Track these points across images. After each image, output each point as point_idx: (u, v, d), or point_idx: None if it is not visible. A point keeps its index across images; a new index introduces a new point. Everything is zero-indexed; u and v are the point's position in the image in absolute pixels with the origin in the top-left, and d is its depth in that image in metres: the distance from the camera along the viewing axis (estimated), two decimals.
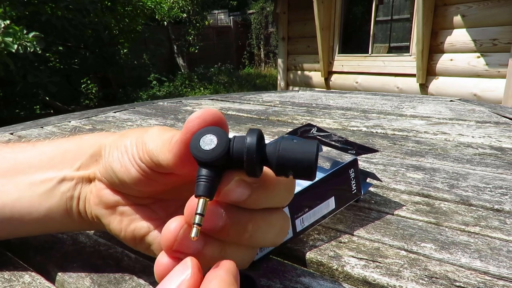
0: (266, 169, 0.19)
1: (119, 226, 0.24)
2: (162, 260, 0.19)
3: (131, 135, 0.24)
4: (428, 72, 3.16)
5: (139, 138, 0.22)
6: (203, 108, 0.21)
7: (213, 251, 0.20)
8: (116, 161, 0.23)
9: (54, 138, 0.28)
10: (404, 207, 0.39)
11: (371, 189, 0.43)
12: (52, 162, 0.26)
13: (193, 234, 0.17)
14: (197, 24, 7.20)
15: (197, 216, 0.17)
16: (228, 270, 0.16)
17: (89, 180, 0.25)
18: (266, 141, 0.19)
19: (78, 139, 0.27)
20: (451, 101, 1.03)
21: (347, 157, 0.35)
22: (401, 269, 0.29)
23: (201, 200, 0.17)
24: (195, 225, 0.17)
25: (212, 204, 0.19)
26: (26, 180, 0.25)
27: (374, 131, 0.73)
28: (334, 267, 0.29)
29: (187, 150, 0.18)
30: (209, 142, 0.17)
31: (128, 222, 0.24)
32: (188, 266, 0.16)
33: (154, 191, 0.24)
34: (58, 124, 0.88)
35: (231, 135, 0.19)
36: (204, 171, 0.17)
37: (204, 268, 0.18)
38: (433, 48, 3.08)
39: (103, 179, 0.24)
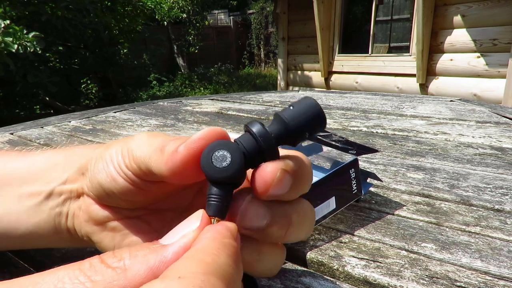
0: (292, 152, 0.18)
1: (111, 243, 0.23)
2: None
3: (116, 143, 0.22)
4: (428, 72, 3.16)
5: (124, 146, 0.21)
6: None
7: (251, 255, 0.19)
8: (102, 172, 0.21)
9: (46, 149, 0.27)
10: (404, 207, 0.39)
11: (372, 189, 0.43)
12: (41, 174, 0.24)
13: None
14: (197, 24, 7.20)
15: None
16: (227, 226, 0.16)
17: (78, 195, 0.24)
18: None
19: (68, 151, 0.25)
20: (451, 101, 1.02)
21: (348, 157, 0.35)
22: (401, 269, 0.29)
23: (212, 221, 0.16)
24: None
25: (253, 203, 0.18)
26: (14, 193, 0.24)
27: (374, 131, 0.73)
28: (335, 267, 0.29)
29: (186, 165, 0.17)
30: (221, 158, 0.16)
31: (121, 238, 0.23)
32: (198, 218, 0.16)
33: (145, 201, 0.22)
34: (58, 124, 0.87)
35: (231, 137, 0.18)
36: (215, 190, 0.16)
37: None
38: (433, 48, 3.08)
39: (90, 193, 0.23)
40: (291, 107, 0.17)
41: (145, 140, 0.20)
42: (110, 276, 0.13)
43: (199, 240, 0.14)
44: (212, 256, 0.13)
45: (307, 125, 0.17)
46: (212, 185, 0.16)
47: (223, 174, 0.16)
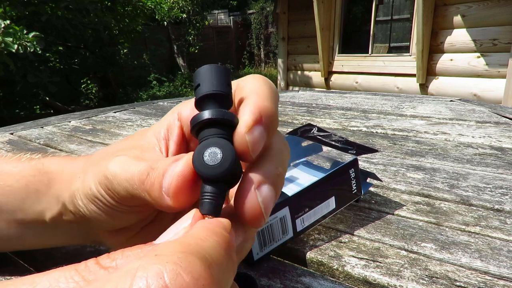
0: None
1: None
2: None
3: (92, 173, 0.21)
4: (428, 72, 3.16)
5: (101, 176, 0.20)
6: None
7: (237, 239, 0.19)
8: (87, 210, 0.21)
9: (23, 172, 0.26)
10: (404, 207, 0.39)
11: (372, 189, 0.43)
12: (23, 205, 0.25)
13: None
14: (197, 24, 7.20)
15: None
16: (220, 220, 0.15)
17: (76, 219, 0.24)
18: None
19: (46, 181, 0.25)
20: (451, 101, 1.02)
21: (347, 157, 0.35)
22: (401, 269, 0.29)
23: (206, 219, 0.16)
24: None
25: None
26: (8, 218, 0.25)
27: (374, 131, 0.73)
28: (335, 267, 0.29)
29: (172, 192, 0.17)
30: (213, 156, 0.16)
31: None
32: (190, 217, 0.16)
33: (143, 217, 0.22)
34: (58, 124, 0.88)
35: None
36: (209, 188, 0.16)
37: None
38: (433, 48, 3.08)
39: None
40: (199, 85, 0.17)
41: (123, 168, 0.19)
42: (102, 276, 0.13)
43: (189, 230, 0.14)
44: (196, 240, 0.13)
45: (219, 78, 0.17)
46: (205, 183, 0.16)
47: (215, 171, 0.16)
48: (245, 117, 0.17)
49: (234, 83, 0.20)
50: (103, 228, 0.23)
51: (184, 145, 0.21)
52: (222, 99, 0.17)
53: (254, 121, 0.17)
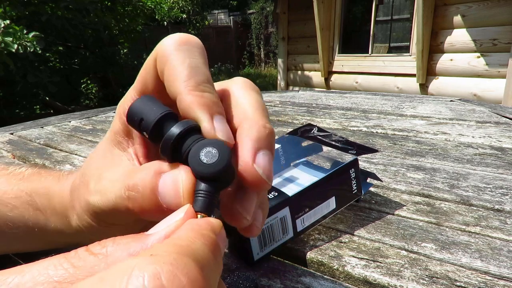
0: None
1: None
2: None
3: (79, 209, 0.22)
4: (428, 72, 3.16)
5: (90, 212, 0.21)
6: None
7: None
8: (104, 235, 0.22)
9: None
10: (404, 207, 0.39)
11: (372, 189, 0.43)
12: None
13: None
14: (197, 24, 7.20)
15: None
16: (209, 221, 0.15)
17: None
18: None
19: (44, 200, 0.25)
20: (451, 101, 1.02)
21: (348, 157, 0.35)
22: (401, 269, 0.29)
23: (198, 216, 0.16)
24: None
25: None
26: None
27: (374, 131, 0.73)
28: (335, 267, 0.29)
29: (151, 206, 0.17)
30: (209, 155, 0.16)
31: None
32: (183, 211, 0.16)
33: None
34: (58, 124, 0.88)
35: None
36: (203, 186, 0.16)
37: None
38: (433, 48, 3.08)
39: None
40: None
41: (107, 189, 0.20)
42: (91, 261, 0.13)
43: (178, 231, 0.14)
44: (187, 242, 0.13)
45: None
46: (200, 181, 0.17)
47: (211, 170, 0.16)
48: (245, 154, 0.17)
49: (220, 87, 0.19)
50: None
51: (148, 144, 0.21)
52: (173, 117, 0.18)
53: (257, 151, 0.17)
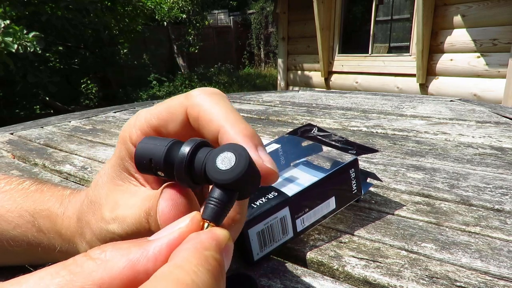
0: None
1: None
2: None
3: (91, 236, 0.22)
4: (428, 72, 3.16)
5: (97, 230, 0.21)
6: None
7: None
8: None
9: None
10: (404, 207, 0.39)
11: (372, 189, 0.43)
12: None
13: None
14: (197, 24, 7.19)
15: None
16: (213, 235, 0.15)
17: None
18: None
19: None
20: (451, 101, 1.02)
21: (348, 157, 0.35)
22: (401, 269, 0.29)
23: (206, 224, 0.15)
24: None
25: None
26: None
27: (374, 131, 0.73)
28: (335, 267, 0.29)
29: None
30: (227, 160, 0.15)
31: None
32: (188, 218, 0.16)
33: None
34: (58, 124, 0.88)
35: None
36: (217, 193, 0.15)
37: None
38: (433, 48, 3.08)
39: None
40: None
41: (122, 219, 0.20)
42: (89, 267, 0.13)
43: (180, 251, 0.14)
44: (191, 275, 0.12)
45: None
46: (217, 187, 0.15)
47: (226, 176, 0.15)
48: (252, 153, 0.17)
49: (182, 99, 0.19)
50: None
51: None
52: (177, 144, 0.17)
53: (258, 150, 0.17)
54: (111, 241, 0.20)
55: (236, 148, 0.15)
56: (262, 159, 0.17)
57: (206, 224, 0.15)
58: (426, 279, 0.27)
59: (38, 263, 0.28)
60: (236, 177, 0.15)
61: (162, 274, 0.12)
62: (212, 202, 0.15)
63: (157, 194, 0.18)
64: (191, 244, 0.14)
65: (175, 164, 0.16)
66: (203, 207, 0.16)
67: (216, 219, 0.15)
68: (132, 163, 0.21)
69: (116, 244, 0.14)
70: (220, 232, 0.15)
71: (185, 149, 0.16)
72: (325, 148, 0.38)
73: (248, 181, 0.16)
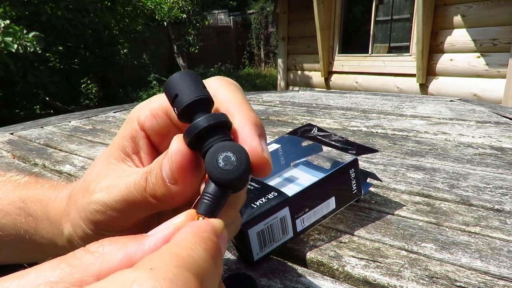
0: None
1: None
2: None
3: (75, 216, 0.21)
4: (428, 72, 3.15)
5: (88, 215, 0.20)
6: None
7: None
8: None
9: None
10: (404, 207, 0.39)
11: (372, 189, 0.43)
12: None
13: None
14: (197, 24, 7.20)
15: None
16: (209, 222, 0.15)
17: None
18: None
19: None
20: (451, 101, 1.02)
21: (348, 157, 0.35)
22: (401, 269, 0.29)
23: (200, 219, 0.16)
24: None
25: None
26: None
27: (374, 131, 0.73)
28: (335, 267, 0.29)
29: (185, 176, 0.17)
30: (228, 160, 0.15)
31: None
32: (184, 214, 0.16)
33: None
34: (58, 124, 0.88)
35: None
36: (212, 189, 0.16)
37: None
38: (433, 48, 3.08)
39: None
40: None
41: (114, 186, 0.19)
42: (87, 259, 0.13)
43: (178, 234, 0.14)
44: (188, 250, 0.13)
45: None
46: (213, 183, 0.16)
47: (224, 176, 0.15)
48: (254, 140, 0.17)
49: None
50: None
51: (155, 154, 0.21)
52: (207, 103, 0.17)
53: (260, 139, 0.17)
54: (93, 217, 0.20)
55: (238, 150, 0.16)
56: (263, 149, 0.17)
57: (201, 219, 0.16)
58: (426, 279, 0.27)
59: (28, 260, 0.28)
60: (235, 179, 0.15)
61: (162, 249, 0.13)
62: (207, 198, 0.16)
63: (161, 156, 0.18)
64: (189, 227, 0.14)
65: (189, 126, 0.17)
66: (196, 202, 0.16)
67: (210, 214, 0.16)
68: (130, 143, 0.21)
69: (114, 238, 0.14)
70: (215, 221, 0.16)
71: (202, 123, 0.16)
72: (325, 148, 0.38)
73: (245, 181, 0.16)
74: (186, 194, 0.17)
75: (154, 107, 0.20)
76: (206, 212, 0.16)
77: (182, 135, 0.17)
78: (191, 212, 0.16)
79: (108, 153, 0.22)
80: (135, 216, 0.20)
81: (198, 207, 0.16)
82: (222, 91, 0.19)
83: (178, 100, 0.17)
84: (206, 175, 0.16)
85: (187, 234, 0.14)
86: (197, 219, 0.16)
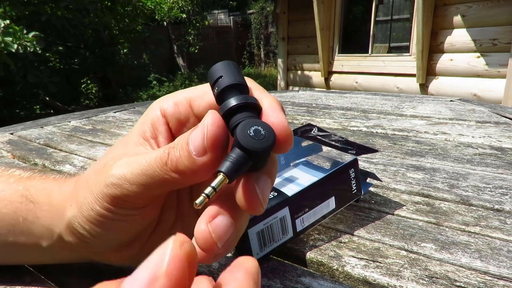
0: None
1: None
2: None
3: (86, 193, 0.21)
4: (428, 72, 3.15)
5: (103, 189, 0.20)
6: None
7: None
8: (96, 235, 0.21)
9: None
10: (404, 207, 0.39)
11: (371, 189, 0.43)
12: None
13: (197, 201, 0.16)
14: (197, 24, 7.20)
15: (209, 188, 0.16)
16: (248, 271, 0.13)
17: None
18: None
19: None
20: (451, 101, 1.02)
21: (347, 157, 0.35)
22: (401, 269, 0.29)
23: (220, 177, 0.16)
24: (203, 195, 0.16)
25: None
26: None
27: (374, 131, 0.73)
28: (335, 267, 0.29)
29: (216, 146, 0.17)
30: (258, 132, 0.17)
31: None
32: (170, 241, 0.12)
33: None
34: (58, 124, 0.88)
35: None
36: (239, 155, 0.16)
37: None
38: (433, 48, 3.08)
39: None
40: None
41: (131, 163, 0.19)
42: None
43: (234, 282, 0.13)
44: None
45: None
46: (242, 151, 0.17)
47: (255, 145, 0.16)
48: (280, 116, 0.18)
49: None
50: (107, 248, 0.23)
51: (173, 140, 0.21)
52: (244, 89, 0.19)
53: (284, 116, 0.19)
54: (109, 191, 0.19)
55: (267, 126, 0.17)
56: (287, 123, 0.18)
57: (221, 177, 0.16)
58: (426, 279, 0.27)
59: (4, 262, 0.27)
60: (264, 148, 0.17)
61: None
62: (231, 159, 0.17)
63: (185, 134, 0.19)
64: (241, 272, 0.13)
65: (222, 104, 0.18)
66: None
67: (231, 174, 0.16)
68: (150, 128, 0.21)
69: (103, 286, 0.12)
70: (251, 264, 0.14)
71: (232, 102, 0.18)
72: (325, 148, 0.38)
73: (266, 156, 0.18)
74: (209, 168, 0.18)
75: (178, 97, 0.21)
76: (227, 171, 0.16)
77: (214, 110, 0.18)
78: (176, 241, 0.12)
79: (127, 139, 0.22)
80: (152, 192, 0.19)
81: (221, 165, 0.17)
82: (248, 83, 0.20)
83: (222, 80, 0.19)
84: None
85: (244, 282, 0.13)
86: (216, 177, 0.16)
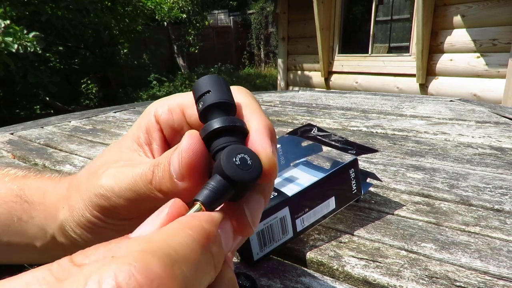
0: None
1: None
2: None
3: (77, 198, 0.20)
4: (428, 72, 3.16)
5: (92, 198, 0.20)
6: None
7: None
8: (86, 239, 0.21)
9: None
10: (404, 207, 0.39)
11: (371, 189, 0.43)
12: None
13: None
14: (197, 24, 7.19)
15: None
16: (208, 213, 0.14)
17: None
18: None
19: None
20: (451, 101, 1.03)
21: (347, 157, 0.35)
22: (401, 269, 0.29)
23: (197, 206, 0.15)
24: None
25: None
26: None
27: (374, 131, 0.73)
28: (335, 267, 0.29)
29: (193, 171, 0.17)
30: (244, 162, 0.16)
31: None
32: (167, 206, 0.15)
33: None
34: (58, 124, 0.88)
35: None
36: (220, 183, 0.15)
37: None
38: (433, 48, 3.08)
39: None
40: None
41: (121, 174, 0.19)
42: (75, 273, 0.12)
43: (162, 225, 0.13)
44: (162, 236, 0.12)
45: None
46: (222, 178, 0.15)
47: (243, 175, 0.15)
48: (266, 144, 0.17)
49: None
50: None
51: (166, 147, 0.21)
52: (231, 109, 0.18)
53: (272, 146, 0.18)
54: (98, 201, 0.19)
55: (253, 156, 0.16)
56: (274, 154, 0.17)
57: (197, 205, 0.15)
58: (426, 279, 0.27)
59: (16, 261, 0.27)
60: (250, 179, 0.15)
61: (130, 240, 0.12)
62: (210, 187, 0.15)
63: (170, 151, 0.18)
64: (183, 218, 0.14)
65: (204, 124, 0.17)
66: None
67: (208, 204, 0.15)
68: (145, 134, 0.21)
69: (99, 246, 0.13)
70: (215, 213, 0.15)
71: (215, 124, 0.17)
72: (325, 148, 0.38)
73: (251, 187, 0.17)
74: (192, 192, 0.17)
75: (172, 103, 0.21)
76: (205, 200, 0.15)
77: (193, 131, 0.17)
78: (174, 202, 0.15)
79: (121, 143, 0.22)
80: (140, 206, 0.19)
81: (199, 193, 0.15)
82: (240, 97, 0.19)
83: (209, 96, 0.18)
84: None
85: (173, 223, 0.13)
86: (191, 206, 0.15)
